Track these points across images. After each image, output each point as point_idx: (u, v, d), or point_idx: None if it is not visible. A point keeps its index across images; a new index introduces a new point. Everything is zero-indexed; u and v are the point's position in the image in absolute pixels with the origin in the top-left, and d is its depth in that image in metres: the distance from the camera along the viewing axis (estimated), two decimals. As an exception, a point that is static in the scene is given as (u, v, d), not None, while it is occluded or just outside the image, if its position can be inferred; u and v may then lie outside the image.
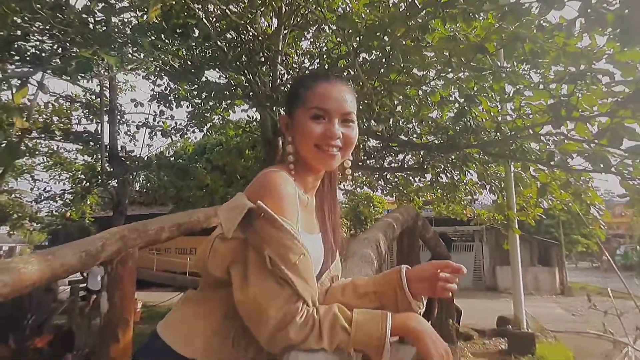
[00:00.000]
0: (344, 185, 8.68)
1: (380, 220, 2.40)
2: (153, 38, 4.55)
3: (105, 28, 5.44)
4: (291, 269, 0.81)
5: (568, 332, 6.54)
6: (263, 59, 5.59)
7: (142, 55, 4.83)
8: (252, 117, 8.66)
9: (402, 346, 2.81)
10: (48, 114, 9.99)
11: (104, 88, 9.66)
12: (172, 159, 10.33)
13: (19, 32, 5.08)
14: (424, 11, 3.27)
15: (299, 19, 5.53)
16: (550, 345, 6.01)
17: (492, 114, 4.13)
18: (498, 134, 4.03)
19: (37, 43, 5.49)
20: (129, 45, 4.52)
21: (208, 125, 9.07)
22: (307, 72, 6.00)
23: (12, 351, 2.73)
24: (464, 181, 6.24)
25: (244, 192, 0.89)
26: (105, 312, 2.26)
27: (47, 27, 5.04)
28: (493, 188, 5.90)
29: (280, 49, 5.36)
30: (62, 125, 10.02)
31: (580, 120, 3.19)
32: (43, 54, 5.22)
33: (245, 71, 5.53)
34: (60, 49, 5.33)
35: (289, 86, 1.04)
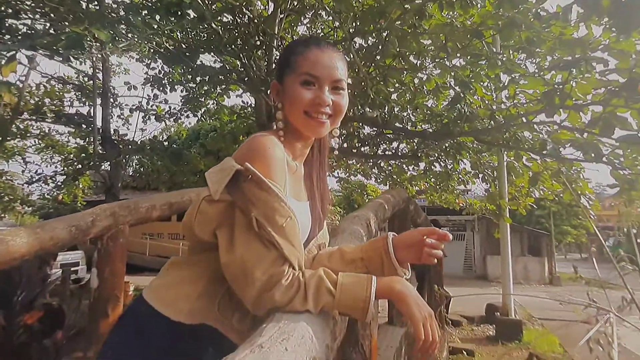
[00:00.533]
0: (337, 173, 8.68)
1: (371, 201, 2.42)
2: (147, 19, 4.48)
3: (98, 7, 5.35)
4: (278, 231, 0.81)
5: (554, 320, 6.65)
6: (259, 43, 5.53)
7: (135, 36, 4.76)
8: (247, 102, 8.60)
9: (391, 327, 2.86)
10: (40, 96, 9.85)
11: (97, 70, 9.54)
12: (165, 143, 10.25)
13: (10, 10, 4.99)
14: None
15: (295, 3, 5.46)
16: (537, 332, 6.13)
17: (487, 101, 4.14)
18: (492, 122, 4.04)
19: (29, 22, 5.40)
20: (122, 24, 4.44)
21: (202, 110, 9.00)
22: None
23: (1, 327, 2.73)
24: (457, 170, 6.27)
25: (232, 156, 0.88)
26: (95, 288, 2.26)
27: (39, 5, 4.95)
28: (486, 177, 5.93)
29: (276, 32, 5.31)
30: (54, 107, 9.89)
31: (574, 108, 3.21)
32: (34, 32, 5.13)
33: (241, 55, 5.48)
34: (52, 28, 5.24)
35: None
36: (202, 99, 8.30)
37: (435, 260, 0.91)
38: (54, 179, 10.04)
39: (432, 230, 0.92)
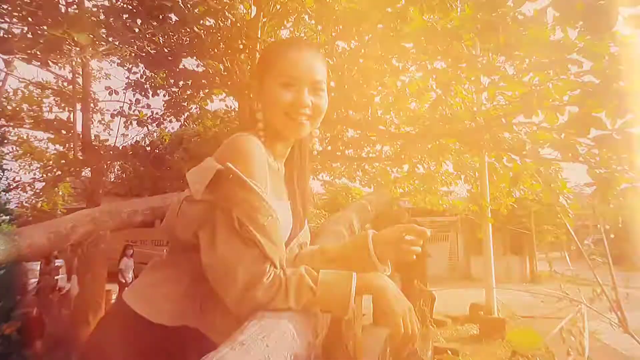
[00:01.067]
0: (322, 176, 8.69)
1: (354, 203, 2.43)
2: (128, 22, 4.44)
3: (77, 11, 5.27)
4: (259, 230, 0.81)
5: (537, 318, 6.78)
6: (242, 47, 5.52)
7: (116, 40, 4.71)
8: (231, 106, 8.58)
9: (376, 328, 2.87)
10: (17, 101, 9.64)
11: (77, 75, 9.38)
12: (148, 148, 10.12)
13: (-15, 14, 4.88)
14: (403, 0, 3.31)
15: (278, 7, 5.47)
16: (520, 330, 6.23)
17: (468, 103, 4.21)
18: (473, 123, 4.11)
19: (6, 26, 5.28)
20: (103, 27, 4.39)
21: (185, 115, 8.92)
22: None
23: (-22, 338, 2.65)
24: (440, 171, 6.34)
25: (212, 156, 0.89)
26: (76, 295, 2.22)
27: (17, 9, 4.86)
28: (468, 178, 6.03)
29: (259, 36, 5.30)
30: (32, 112, 9.68)
31: (551, 109, 3.29)
32: (10, 36, 5.02)
33: (224, 59, 5.46)
34: (30, 32, 5.14)
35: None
36: (185, 104, 8.22)
37: (414, 256, 0.93)
38: (32, 186, 9.83)
39: (410, 227, 0.93)
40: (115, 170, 12.06)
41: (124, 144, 10.15)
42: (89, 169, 8.61)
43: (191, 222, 0.87)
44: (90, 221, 2.20)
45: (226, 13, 5.03)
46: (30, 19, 4.76)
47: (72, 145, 9.21)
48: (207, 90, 7.22)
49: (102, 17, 4.71)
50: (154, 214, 2.69)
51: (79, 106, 9.13)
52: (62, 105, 10.04)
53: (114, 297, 6.80)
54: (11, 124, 9.59)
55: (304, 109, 0.94)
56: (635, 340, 1.96)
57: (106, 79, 11.30)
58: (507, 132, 4.34)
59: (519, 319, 6.96)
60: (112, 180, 12.12)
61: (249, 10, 5.83)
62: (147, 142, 12.50)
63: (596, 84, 2.87)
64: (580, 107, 3.03)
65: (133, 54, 5.97)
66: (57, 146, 10.81)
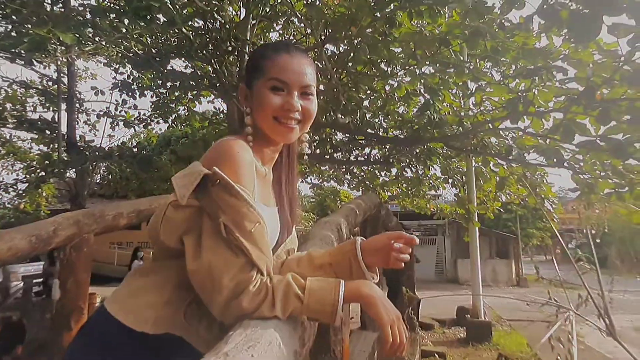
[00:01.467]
0: (310, 179, 8.69)
1: (342, 206, 2.43)
2: (115, 22, 4.37)
3: (63, 10, 5.19)
4: (246, 236, 0.80)
5: (522, 320, 6.85)
6: (230, 49, 5.49)
7: (102, 40, 4.64)
8: (219, 108, 8.52)
9: (364, 332, 2.87)
10: (0, 101, 9.46)
11: (62, 74, 9.24)
12: (135, 150, 9.99)
13: (-32, 12, 4.79)
14: (392, 5, 3.33)
15: (267, 9, 5.46)
16: (506, 333, 6.30)
17: (455, 108, 4.25)
18: (460, 128, 4.15)
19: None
20: (89, 27, 4.32)
21: (173, 116, 8.84)
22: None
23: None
24: (428, 175, 6.39)
25: (200, 160, 0.87)
26: (58, 299, 2.17)
27: (0, 7, 4.77)
28: (455, 182, 6.08)
29: (248, 38, 5.28)
30: (15, 112, 9.50)
31: (536, 115, 3.34)
32: (-6, 34, 4.92)
33: (212, 61, 5.42)
34: (14, 30, 5.05)
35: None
36: (173, 105, 8.15)
37: (403, 264, 0.92)
38: (15, 187, 9.63)
39: (399, 234, 0.93)
40: (101, 171, 11.92)
41: (110, 145, 10.03)
42: (74, 170, 8.48)
43: (176, 228, 0.84)
44: (73, 224, 2.15)
45: (215, 14, 4.99)
46: (14, 17, 4.67)
47: (56, 146, 9.07)
48: (195, 92, 7.16)
49: (88, 16, 4.64)
50: (139, 216, 2.64)
51: (64, 106, 9.01)
52: (47, 105, 9.87)
53: (98, 300, 6.68)
54: (-7, 123, 9.39)
55: (294, 113, 0.93)
56: (619, 344, 1.98)
57: (92, 79, 11.16)
58: (493, 137, 4.39)
59: (504, 322, 7.03)
60: (97, 181, 11.97)
61: (238, 12, 5.80)
62: (134, 143, 12.37)
63: (580, 91, 2.92)
64: (565, 113, 3.08)
65: (120, 54, 5.90)
66: (41, 146, 10.64)
